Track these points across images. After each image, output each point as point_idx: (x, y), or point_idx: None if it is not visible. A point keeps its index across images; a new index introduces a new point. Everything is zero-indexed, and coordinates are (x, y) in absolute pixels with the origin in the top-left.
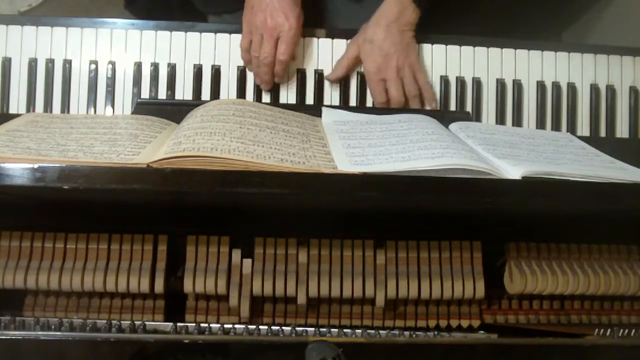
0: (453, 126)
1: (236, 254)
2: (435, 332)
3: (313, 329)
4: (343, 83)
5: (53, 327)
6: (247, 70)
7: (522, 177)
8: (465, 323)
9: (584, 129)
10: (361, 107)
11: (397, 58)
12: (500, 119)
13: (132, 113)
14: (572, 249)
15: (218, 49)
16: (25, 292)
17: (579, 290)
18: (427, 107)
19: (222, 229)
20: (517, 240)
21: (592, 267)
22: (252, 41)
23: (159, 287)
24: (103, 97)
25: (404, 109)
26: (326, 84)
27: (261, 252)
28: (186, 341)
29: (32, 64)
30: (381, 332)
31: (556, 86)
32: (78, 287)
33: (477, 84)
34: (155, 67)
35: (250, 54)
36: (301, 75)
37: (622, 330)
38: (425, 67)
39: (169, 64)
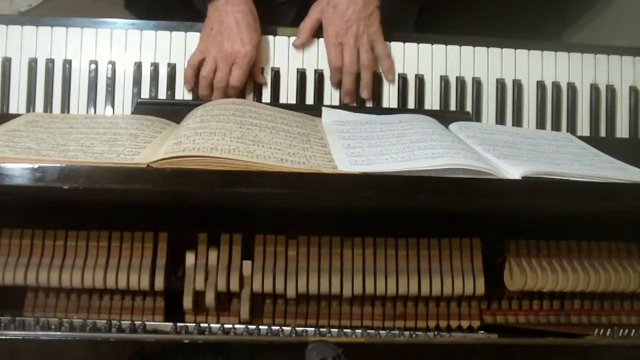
0: (453, 126)
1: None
2: (435, 332)
3: (313, 329)
4: None
5: (53, 327)
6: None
7: (522, 177)
8: (465, 324)
9: (584, 129)
10: (361, 107)
11: (357, 26)
12: (500, 119)
13: (132, 113)
14: (572, 246)
15: None
16: (26, 292)
17: (579, 287)
18: (387, 79)
19: (222, 228)
20: (517, 238)
21: (592, 265)
22: (205, 61)
23: (159, 285)
24: (103, 97)
25: (402, 108)
26: (326, 84)
27: (261, 250)
28: (186, 341)
29: (32, 64)
30: (381, 332)
31: (556, 86)
32: (78, 284)
33: (477, 84)
34: (155, 67)
35: (199, 72)
36: (301, 75)
37: (622, 330)
38: (425, 67)
39: (169, 64)
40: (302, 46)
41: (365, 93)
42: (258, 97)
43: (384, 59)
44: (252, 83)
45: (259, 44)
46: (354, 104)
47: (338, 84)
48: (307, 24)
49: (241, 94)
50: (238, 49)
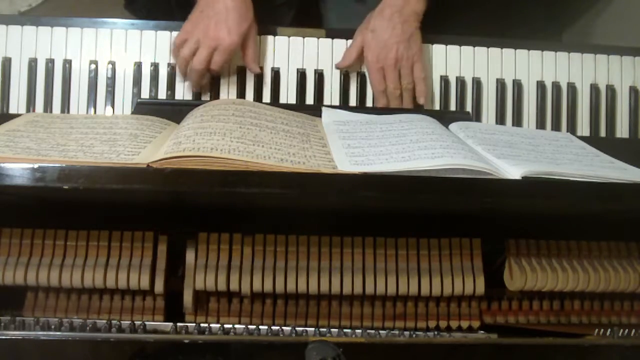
0: (453, 126)
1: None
2: (435, 332)
3: (313, 329)
4: (343, 83)
5: (53, 327)
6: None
7: (522, 177)
8: (465, 324)
9: (584, 129)
10: (361, 107)
11: (397, 49)
12: (500, 119)
13: (132, 113)
14: (571, 246)
15: None
16: (26, 292)
17: (579, 287)
18: (419, 101)
19: (222, 228)
20: (517, 238)
21: (591, 265)
22: (187, 42)
23: (159, 285)
24: (103, 97)
25: (403, 108)
26: (326, 84)
27: (261, 250)
28: (186, 341)
29: (32, 64)
30: (381, 332)
31: (556, 86)
32: (78, 284)
33: (477, 84)
34: (155, 67)
35: (180, 51)
36: (301, 75)
37: (622, 330)
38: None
39: (169, 64)
40: (344, 68)
41: None
42: (258, 97)
43: (418, 82)
44: (253, 82)
45: (249, 32)
46: None
47: (384, 107)
48: (352, 49)
49: (241, 93)
50: (223, 36)
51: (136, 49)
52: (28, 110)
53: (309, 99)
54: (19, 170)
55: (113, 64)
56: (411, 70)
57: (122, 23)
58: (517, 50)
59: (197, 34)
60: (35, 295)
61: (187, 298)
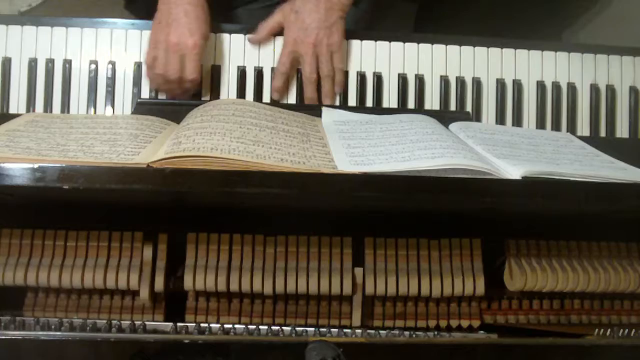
0: (453, 126)
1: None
2: (435, 332)
3: (313, 329)
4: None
5: (53, 327)
6: (261, 74)
7: (522, 177)
8: (465, 323)
9: (584, 129)
10: (361, 107)
11: (316, 34)
12: (500, 119)
13: (132, 113)
14: (571, 246)
15: (217, 49)
16: (26, 291)
17: (579, 287)
18: (335, 90)
19: (222, 228)
20: (517, 238)
21: (592, 265)
22: (156, 58)
23: (159, 285)
24: (103, 97)
25: (401, 108)
26: None
27: (261, 250)
28: (186, 341)
29: (32, 64)
30: (381, 332)
31: (556, 86)
32: (78, 284)
33: (477, 84)
34: None
35: (155, 71)
36: (301, 76)
37: (622, 330)
38: (425, 67)
39: None
40: (257, 43)
41: (327, 101)
42: (258, 97)
43: (337, 71)
44: (253, 82)
45: (209, 36)
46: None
47: (277, 88)
48: (268, 24)
49: (241, 94)
50: (185, 40)
51: (136, 49)
52: (28, 110)
53: None
54: (19, 170)
55: (113, 64)
56: (330, 58)
57: (122, 23)
58: (517, 50)
59: (161, 46)
60: (35, 295)
61: (188, 279)
